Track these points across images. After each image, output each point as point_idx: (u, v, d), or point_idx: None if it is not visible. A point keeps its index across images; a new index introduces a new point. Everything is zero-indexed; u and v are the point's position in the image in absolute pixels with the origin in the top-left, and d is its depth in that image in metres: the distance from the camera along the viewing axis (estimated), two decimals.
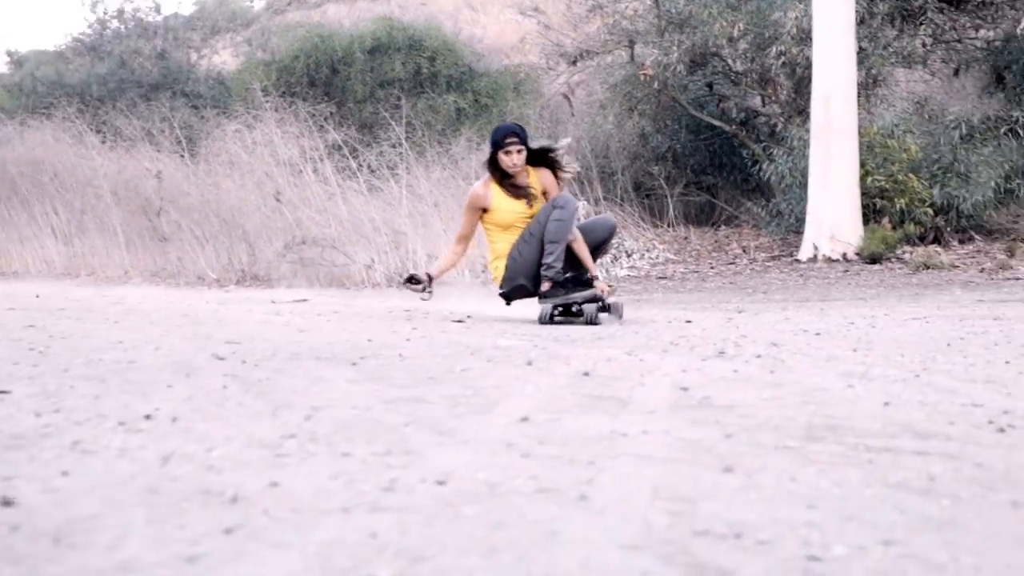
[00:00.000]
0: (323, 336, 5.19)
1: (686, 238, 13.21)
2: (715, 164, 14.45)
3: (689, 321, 6.02)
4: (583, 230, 6.52)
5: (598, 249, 6.66)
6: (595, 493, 1.74)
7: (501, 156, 6.41)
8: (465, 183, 13.30)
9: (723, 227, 13.82)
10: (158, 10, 25.59)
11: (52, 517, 1.59)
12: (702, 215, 14.55)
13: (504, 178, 6.49)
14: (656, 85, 13.66)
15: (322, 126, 14.68)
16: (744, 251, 12.25)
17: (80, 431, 2.32)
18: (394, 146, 14.20)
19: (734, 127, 13.76)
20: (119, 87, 21.17)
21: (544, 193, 6.56)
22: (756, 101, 14.26)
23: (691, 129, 14.34)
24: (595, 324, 6.00)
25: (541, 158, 6.57)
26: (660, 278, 10.95)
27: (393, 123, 14.50)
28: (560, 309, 6.29)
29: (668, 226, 13.80)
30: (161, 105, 17.80)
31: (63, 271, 15.69)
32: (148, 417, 2.52)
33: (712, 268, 11.45)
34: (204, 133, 16.42)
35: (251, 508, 1.63)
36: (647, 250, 12.45)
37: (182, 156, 15.74)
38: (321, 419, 2.52)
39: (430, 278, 6.57)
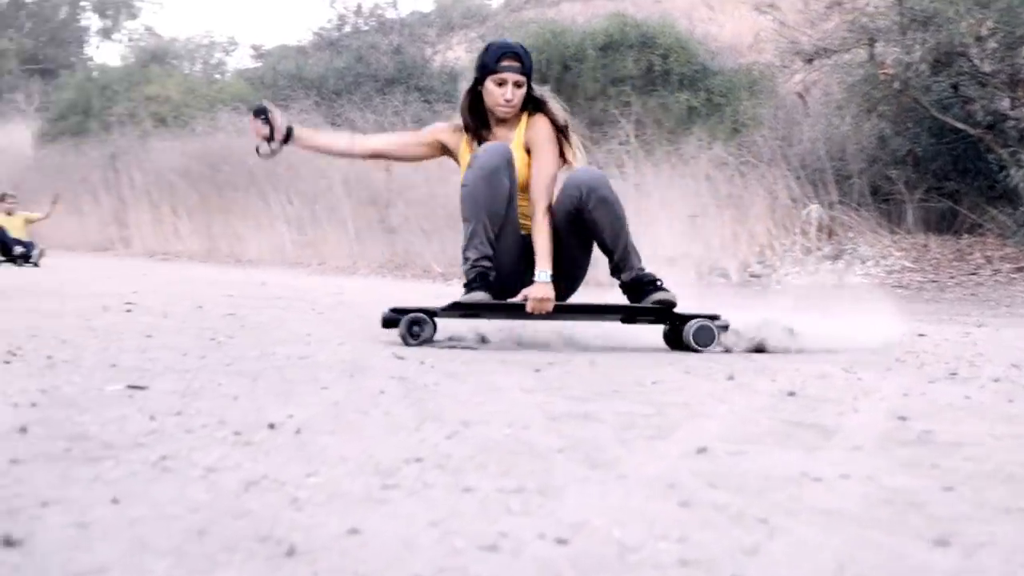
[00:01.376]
0: (520, 335, 4.87)
1: (925, 246, 12.44)
2: (958, 169, 13.57)
3: (922, 335, 5.46)
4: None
5: (580, 226, 4.59)
6: (755, 573, 1.33)
7: (490, 86, 4.68)
8: (694, 182, 12.93)
9: (965, 235, 12.97)
10: (395, 6, 25.90)
11: (48, 567, 1.27)
12: (943, 222, 13.71)
13: (481, 126, 4.81)
14: (897, 85, 12.92)
15: None
16: (988, 261, 11.47)
17: (181, 442, 2.02)
18: (622, 143, 13.93)
19: (980, 131, 12.89)
20: (355, 81, 21.40)
21: (528, 152, 4.75)
22: (1004, 104, 13.35)
23: (933, 132, 13.50)
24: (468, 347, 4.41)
25: (542, 104, 4.79)
26: (896, 287, 10.32)
27: (623, 120, 14.22)
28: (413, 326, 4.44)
29: (906, 233, 13.05)
30: (394, 99, 17.90)
31: (295, 260, 15.89)
32: (271, 427, 2.21)
33: (952, 278, 10.75)
34: None
35: (302, 568, 1.28)
36: (882, 257, 11.81)
37: None
38: (465, 438, 2.16)
39: (289, 132, 4.74)
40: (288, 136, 4.75)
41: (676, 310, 4.58)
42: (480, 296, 4.51)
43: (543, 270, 4.51)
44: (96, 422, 2.20)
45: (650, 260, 11.15)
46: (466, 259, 4.57)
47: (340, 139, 5.09)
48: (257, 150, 4.80)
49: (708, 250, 12.08)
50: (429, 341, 4.45)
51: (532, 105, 4.78)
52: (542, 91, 4.81)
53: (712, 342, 4.47)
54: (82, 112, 26.25)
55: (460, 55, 25.06)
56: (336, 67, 22.22)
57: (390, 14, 25.71)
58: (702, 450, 2.08)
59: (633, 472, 1.87)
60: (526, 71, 4.70)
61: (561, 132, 4.75)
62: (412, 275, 12.83)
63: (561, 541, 1.42)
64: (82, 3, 46.11)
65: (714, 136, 14.31)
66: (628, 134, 14.21)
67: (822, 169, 13.31)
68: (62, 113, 27.45)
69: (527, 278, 4.54)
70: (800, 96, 15.46)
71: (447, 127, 4.94)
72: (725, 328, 4.54)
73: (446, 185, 14.07)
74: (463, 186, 4.57)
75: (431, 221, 13.73)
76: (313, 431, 2.18)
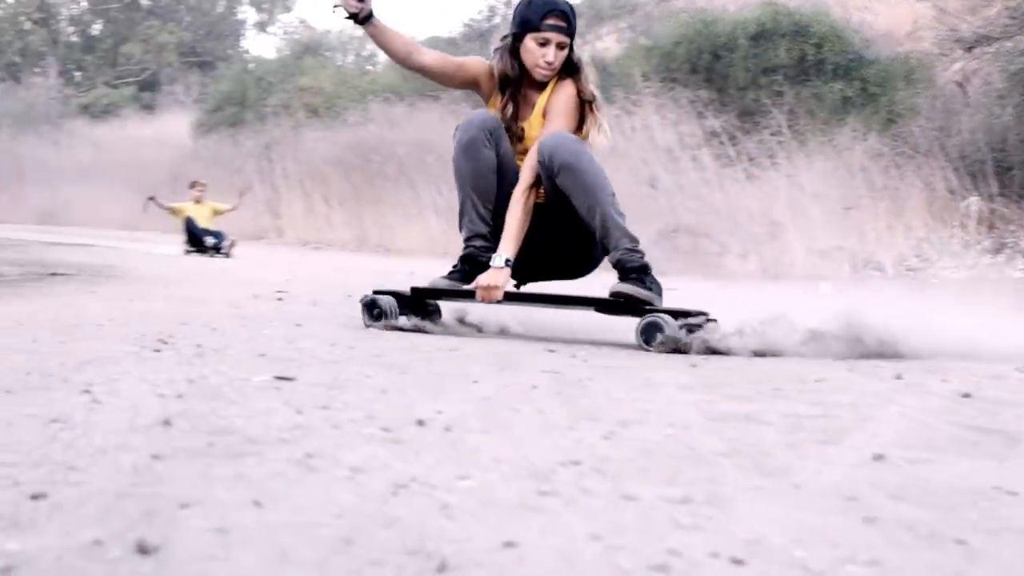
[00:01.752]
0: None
1: None
2: None
3: None
4: None
5: (564, 196, 4.23)
6: None
7: (530, 44, 4.28)
8: (848, 174, 12.65)
9: None
10: None
11: None
12: None
13: (517, 82, 4.40)
14: None
15: (701, 113, 14.32)
16: None
17: (326, 438, 1.93)
18: (774, 134, 13.70)
19: None
20: None
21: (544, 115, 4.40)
22: None
23: None
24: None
25: (575, 70, 4.39)
26: None
27: (775, 110, 13.98)
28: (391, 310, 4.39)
29: None
30: None
31: (444, 249, 15.89)
32: (420, 423, 2.11)
33: None
34: None
35: None
36: None
37: None
38: (622, 439, 2.04)
39: (370, 15, 4.35)
40: (368, 18, 4.36)
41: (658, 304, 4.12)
42: (443, 283, 4.42)
43: (499, 254, 4.22)
44: (241, 415, 2.13)
45: (804, 253, 10.92)
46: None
47: (401, 43, 4.46)
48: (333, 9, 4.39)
49: (863, 243, 11.79)
50: (389, 318, 4.36)
51: (565, 69, 4.38)
52: (580, 54, 4.40)
53: (657, 340, 3.90)
54: (238, 103, 26.75)
55: (609, 45, 24.91)
56: (486, 57, 22.21)
57: None
58: (879, 457, 1.93)
59: (807, 482, 1.72)
60: (571, 32, 4.30)
61: (587, 105, 4.35)
62: None
63: (737, 561, 1.29)
64: None
65: (869, 126, 13.96)
66: (780, 124, 13.94)
67: (982, 160, 12.88)
68: (219, 104, 28.04)
69: (539, 253, 4.36)
70: (959, 85, 14.99)
71: (486, 69, 4.50)
72: (694, 328, 3.96)
73: None
74: (453, 160, 4.39)
75: None
76: (463, 429, 2.08)
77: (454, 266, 4.46)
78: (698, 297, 7.36)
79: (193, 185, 15.08)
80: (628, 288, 4.11)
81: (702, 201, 13.13)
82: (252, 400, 2.32)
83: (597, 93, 4.38)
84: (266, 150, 22.36)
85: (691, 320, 3.99)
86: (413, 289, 4.45)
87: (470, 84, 4.55)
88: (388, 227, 18.19)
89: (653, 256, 10.74)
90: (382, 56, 31.86)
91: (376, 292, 4.45)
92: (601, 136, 4.36)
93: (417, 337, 4.06)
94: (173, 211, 14.72)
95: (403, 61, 4.48)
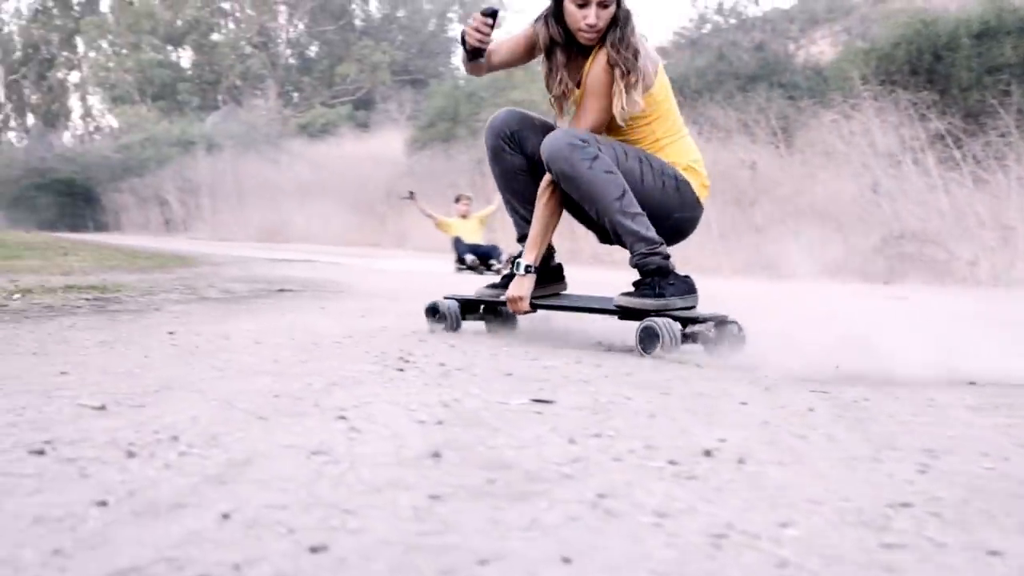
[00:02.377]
0: (925, 343, 4.41)
1: None
2: None
3: None
4: None
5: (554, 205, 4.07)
6: None
7: (570, 7, 3.84)
8: None
9: None
10: (756, 2, 25.57)
11: None
12: None
13: (565, 50, 4.03)
14: None
15: (923, 115, 13.82)
16: None
17: (612, 473, 1.72)
18: (1002, 135, 13.12)
19: None
20: (716, 79, 21.06)
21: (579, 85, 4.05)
22: None
23: None
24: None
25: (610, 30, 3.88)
26: None
27: (1002, 111, 13.40)
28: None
29: None
30: (757, 96, 17.47)
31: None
32: (707, 454, 1.90)
33: None
34: (799, 124, 15.98)
35: None
36: None
37: (776, 147, 15.37)
38: (941, 474, 1.79)
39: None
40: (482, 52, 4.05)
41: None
42: (486, 293, 4.33)
43: (521, 261, 4.11)
44: (511, 445, 1.95)
45: None
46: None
47: (486, 63, 4.13)
48: (463, 38, 4.05)
49: None
50: (447, 323, 4.33)
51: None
52: (626, 10, 3.86)
53: (654, 347, 3.64)
54: (450, 119, 27.02)
55: (824, 49, 24.37)
56: (697, 66, 21.92)
57: (751, 11, 25.32)
58: None
59: None
60: None
61: (615, 70, 3.85)
62: (779, 276, 12.27)
63: None
64: (448, 15, 47.87)
65: None
66: (1008, 125, 13.33)
67: None
68: (432, 120, 28.40)
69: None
70: None
71: (533, 27, 4.10)
72: (699, 334, 3.74)
73: (813, 182, 13.56)
74: None
75: (796, 220, 13.21)
76: (757, 461, 1.86)
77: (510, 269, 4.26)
78: (934, 303, 6.99)
79: (459, 199, 14.35)
80: (627, 300, 3.91)
81: (927, 206, 12.64)
82: (516, 427, 2.14)
83: (633, 51, 3.85)
84: (478, 164, 22.46)
85: (698, 327, 3.77)
86: (461, 299, 4.40)
87: (536, 53, 4.17)
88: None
89: (878, 263, 10.26)
90: None
91: (446, 297, 4.40)
92: (629, 104, 3.86)
93: (657, 353, 3.86)
94: (437, 224, 14.10)
95: (484, 71, 4.23)
